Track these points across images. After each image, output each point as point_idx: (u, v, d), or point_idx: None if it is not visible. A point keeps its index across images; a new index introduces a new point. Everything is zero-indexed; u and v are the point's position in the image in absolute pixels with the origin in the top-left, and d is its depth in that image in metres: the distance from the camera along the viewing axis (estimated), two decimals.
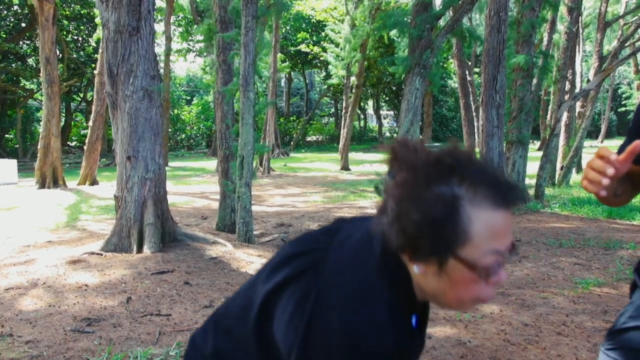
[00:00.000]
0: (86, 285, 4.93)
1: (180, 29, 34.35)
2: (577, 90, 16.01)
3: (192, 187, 15.77)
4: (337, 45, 26.51)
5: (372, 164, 24.33)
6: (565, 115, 14.23)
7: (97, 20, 15.75)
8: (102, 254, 5.95)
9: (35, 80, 29.63)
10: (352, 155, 28.06)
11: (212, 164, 25.24)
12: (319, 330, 0.95)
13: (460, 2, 7.41)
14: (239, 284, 4.98)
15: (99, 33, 17.15)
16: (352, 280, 0.98)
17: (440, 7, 7.41)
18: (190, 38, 35.20)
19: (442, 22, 10.40)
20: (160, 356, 3.37)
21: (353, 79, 28.21)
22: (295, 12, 34.72)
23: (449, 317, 4.04)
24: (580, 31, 15.95)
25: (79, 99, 33.88)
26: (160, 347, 3.54)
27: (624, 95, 41.10)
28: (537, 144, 27.26)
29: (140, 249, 5.96)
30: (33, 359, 3.37)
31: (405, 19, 8.11)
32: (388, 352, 0.91)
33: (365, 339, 0.92)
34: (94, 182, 16.84)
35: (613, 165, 1.16)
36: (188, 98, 42.17)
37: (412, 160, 0.94)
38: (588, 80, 16.53)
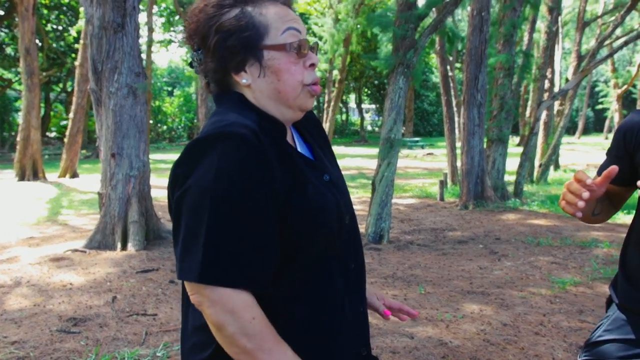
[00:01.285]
0: (71, 284, 4.94)
1: (162, 20, 34.05)
2: (556, 88, 16.28)
3: None
4: (320, 38, 26.54)
5: (354, 158, 24.42)
6: (544, 113, 14.46)
7: (81, 10, 15.52)
8: (85, 252, 5.95)
9: (13, 69, 29.11)
10: (335, 149, 27.98)
11: None
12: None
13: (443, 3, 7.50)
14: None
15: (80, 24, 16.90)
16: (207, 124, 1.10)
17: (424, 6, 7.47)
18: (172, 29, 34.90)
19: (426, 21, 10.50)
20: (147, 357, 3.42)
21: (336, 72, 28.26)
22: None
23: (430, 317, 4.15)
24: (560, 30, 16.19)
25: (59, 89, 33.38)
26: (147, 347, 3.58)
27: (600, 93, 41.86)
28: (517, 139, 27.64)
29: (124, 247, 5.97)
30: None
31: (388, 15, 8.17)
32: (248, 137, 1.00)
33: (221, 127, 1.03)
34: (74, 175, 16.68)
35: (588, 189, 1.24)
36: (169, 89, 41.80)
37: (196, 18, 1.13)
38: (567, 79, 16.80)
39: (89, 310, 4.27)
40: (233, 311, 0.96)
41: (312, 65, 1.14)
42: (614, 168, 1.23)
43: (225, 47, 1.10)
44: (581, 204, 1.25)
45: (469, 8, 10.84)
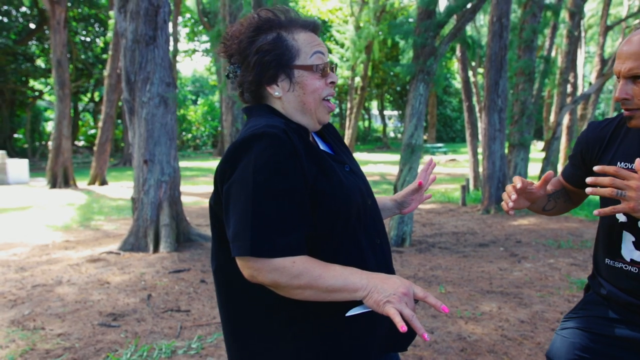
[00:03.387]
0: (108, 283, 5.22)
1: (187, 30, 34.76)
2: (579, 92, 16.24)
3: (200, 188, 16.05)
4: (342, 46, 26.80)
5: (377, 164, 24.57)
6: (567, 117, 14.46)
7: (110, 22, 16.00)
8: (120, 254, 6.24)
9: (44, 80, 29.98)
10: (357, 156, 28.30)
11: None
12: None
13: (462, 11, 7.66)
14: None
15: (109, 35, 17.42)
16: (243, 130, 1.34)
17: (443, 14, 7.65)
18: (196, 39, 35.59)
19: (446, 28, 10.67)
20: (182, 348, 3.66)
21: (358, 80, 28.49)
22: (299, 12, 35.01)
23: (450, 314, 4.32)
24: (582, 34, 16.16)
25: (87, 100, 34.23)
26: (182, 340, 3.83)
27: None
28: (541, 144, 27.48)
29: (156, 249, 6.24)
30: (66, 350, 3.66)
31: (409, 23, 8.37)
32: (279, 135, 1.22)
33: (255, 130, 1.24)
34: (103, 182, 17.16)
35: (516, 192, 1.53)
36: (194, 98, 42.48)
37: (238, 39, 1.36)
38: (590, 83, 16.75)
39: (127, 307, 4.54)
40: (277, 268, 1.18)
41: (332, 83, 1.38)
42: (549, 173, 1.53)
43: (263, 63, 1.33)
44: (510, 204, 1.53)
45: (489, 12, 10.98)
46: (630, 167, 1.48)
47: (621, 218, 1.52)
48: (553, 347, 1.69)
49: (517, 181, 1.54)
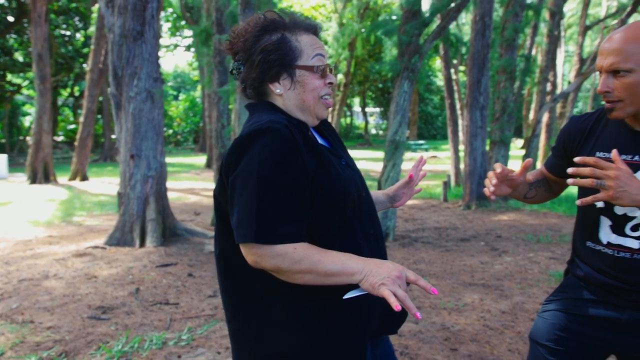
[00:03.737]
0: (95, 277, 5.25)
1: (169, 24, 34.49)
2: (558, 91, 16.54)
3: (182, 184, 16.02)
4: (325, 42, 26.83)
5: (359, 161, 24.69)
6: (546, 115, 14.73)
7: (93, 16, 15.85)
8: (106, 248, 6.25)
9: (22, 75, 29.54)
10: None
11: (200, 160, 25.48)
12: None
13: (446, 10, 7.79)
14: None
15: (91, 30, 17.25)
16: (247, 125, 1.43)
17: (428, 14, 7.77)
18: (178, 34, 35.34)
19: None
20: (173, 339, 3.72)
21: (340, 76, 28.59)
22: (282, 8, 34.97)
23: (434, 305, 4.43)
24: (562, 34, 16.46)
25: (67, 94, 33.81)
26: (173, 332, 3.88)
27: None
28: (520, 142, 27.91)
29: (142, 243, 6.27)
30: (56, 342, 3.69)
31: (393, 21, 8.48)
32: (282, 130, 1.30)
33: (260, 125, 1.32)
34: (84, 178, 17.03)
35: (497, 178, 1.65)
36: (175, 94, 42.21)
37: (244, 38, 1.44)
38: (569, 82, 17.07)
39: (115, 300, 4.57)
40: (279, 254, 1.27)
41: (330, 83, 1.47)
42: (529, 161, 1.63)
43: (267, 62, 1.41)
44: (492, 189, 1.66)
45: (472, 11, 11.14)
46: (608, 156, 1.58)
47: (599, 204, 1.62)
48: (535, 328, 1.80)
49: (498, 167, 1.64)
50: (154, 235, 6.28)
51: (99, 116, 28.24)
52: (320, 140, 1.52)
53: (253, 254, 1.29)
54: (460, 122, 14.60)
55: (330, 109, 1.54)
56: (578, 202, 1.46)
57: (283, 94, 1.44)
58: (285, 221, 1.28)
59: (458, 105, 14.25)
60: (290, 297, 1.37)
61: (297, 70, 1.42)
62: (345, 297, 1.32)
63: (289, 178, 1.29)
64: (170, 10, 32.29)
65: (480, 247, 6.85)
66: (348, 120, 47.26)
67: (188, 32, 33.63)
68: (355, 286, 1.31)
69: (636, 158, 1.56)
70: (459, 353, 3.51)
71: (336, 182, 1.38)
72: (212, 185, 13.44)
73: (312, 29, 1.48)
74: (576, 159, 1.42)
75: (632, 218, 1.56)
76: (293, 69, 1.42)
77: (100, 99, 23.38)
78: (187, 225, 7.18)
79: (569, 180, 1.44)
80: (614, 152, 1.41)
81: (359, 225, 1.44)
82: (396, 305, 1.19)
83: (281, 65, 1.42)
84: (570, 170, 1.43)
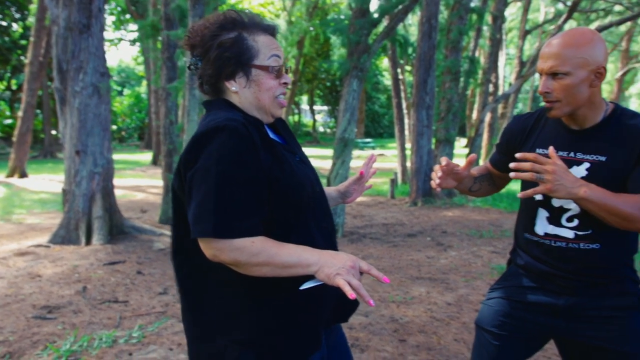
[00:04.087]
0: (39, 276, 5.10)
1: (113, 18, 33.51)
2: (500, 92, 17.15)
3: (128, 181, 15.65)
4: None
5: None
6: (488, 115, 15.24)
7: (32, 7, 15.22)
8: (50, 246, 6.08)
9: None
10: None
11: (145, 157, 24.92)
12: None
13: (395, 11, 7.96)
14: None
15: (30, 20, 16.57)
16: (204, 122, 1.45)
17: (377, 14, 7.92)
18: (122, 27, 34.40)
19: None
20: (124, 337, 3.67)
21: (289, 74, 28.56)
22: (230, 5, 34.61)
23: (383, 299, 4.56)
24: (504, 37, 17.06)
25: (3, 88, 32.31)
26: (123, 330, 3.84)
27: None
28: (465, 141, 28.73)
29: (89, 241, 6.13)
30: (0, 344, 3.58)
31: (342, 20, 8.59)
32: (239, 128, 1.34)
33: (217, 122, 1.36)
34: (23, 175, 16.35)
35: (442, 171, 1.78)
36: (119, 89, 41.05)
37: (202, 34, 1.47)
38: (510, 84, 17.72)
39: (61, 299, 4.46)
40: (238, 247, 1.31)
41: (285, 83, 1.52)
42: (473, 156, 1.76)
43: (223, 58, 1.44)
44: (437, 181, 1.79)
45: (418, 13, 11.40)
46: (547, 153, 1.71)
47: (538, 197, 1.75)
48: (480, 314, 1.92)
49: (443, 161, 1.77)
50: (101, 233, 6.14)
51: (38, 111, 27.14)
52: (274, 137, 1.57)
53: (211, 248, 1.32)
54: (406, 120, 14.91)
55: (284, 108, 1.59)
56: (520, 194, 1.57)
57: (239, 92, 1.48)
58: (242, 216, 1.32)
59: (404, 104, 14.55)
60: (246, 289, 1.41)
61: (253, 70, 1.46)
62: (302, 287, 1.36)
63: (246, 174, 1.33)
64: (114, 4, 31.41)
65: (426, 242, 7.06)
66: (296, 118, 47.30)
67: (133, 26, 32.83)
68: (311, 277, 1.37)
69: (571, 154, 1.69)
70: (407, 344, 3.64)
71: (290, 178, 1.43)
72: (159, 183, 13.20)
73: (270, 30, 1.52)
74: (517, 155, 1.55)
75: (568, 210, 1.69)
76: (249, 67, 1.46)
77: (40, 93, 22.49)
78: (134, 222, 7.06)
79: (512, 174, 1.56)
80: (551, 149, 1.54)
81: (313, 219, 1.50)
82: (351, 294, 1.25)
83: (237, 64, 1.45)
84: (512, 165, 1.55)
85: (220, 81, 1.48)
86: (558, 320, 1.76)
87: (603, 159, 1.65)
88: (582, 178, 1.62)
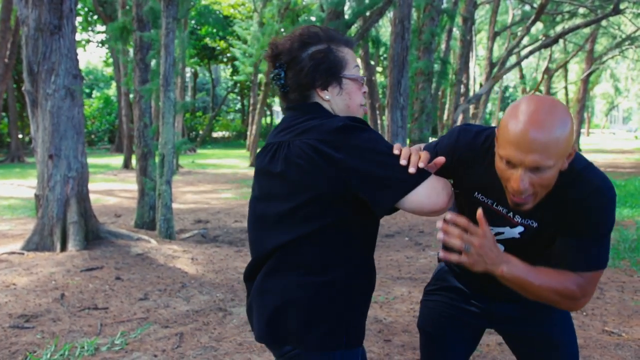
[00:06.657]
0: (14, 284, 4.96)
1: (79, 19, 32.89)
2: (471, 93, 17.41)
3: (100, 185, 15.37)
4: (245, 42, 26.64)
5: None
6: (460, 116, 15.43)
7: None
8: (23, 254, 5.93)
9: None
10: None
11: (116, 160, 24.51)
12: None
13: (369, 13, 8.02)
14: (169, 278, 5.23)
15: None
16: (327, 121, 1.52)
17: (351, 15, 7.97)
18: (90, 29, 33.79)
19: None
20: (106, 345, 3.61)
21: (261, 76, 28.44)
22: (202, 5, 34.29)
23: None
24: (474, 39, 17.33)
25: None
26: (105, 337, 3.77)
27: (511, 98, 44.91)
28: None
29: (64, 248, 6.00)
30: None
31: (314, 23, 8.61)
32: (364, 121, 1.49)
33: (346, 120, 1.47)
34: None
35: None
36: (88, 91, 40.31)
37: (289, 46, 1.56)
38: (481, 84, 17.99)
39: (39, 307, 4.36)
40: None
41: (365, 92, 1.65)
42: (440, 159, 1.55)
43: (318, 70, 1.55)
44: (412, 169, 1.68)
45: (391, 14, 11.51)
46: (485, 200, 1.63)
47: (479, 209, 1.51)
48: (420, 316, 1.97)
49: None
50: (77, 239, 6.02)
51: (4, 114, 26.46)
52: None
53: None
54: (378, 122, 15.01)
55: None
56: (441, 256, 1.46)
57: (331, 100, 1.58)
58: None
59: (376, 106, 14.65)
60: (350, 270, 1.53)
61: (344, 80, 1.58)
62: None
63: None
64: (80, 5, 30.82)
65: (404, 242, 7.12)
66: (269, 119, 47.16)
67: (101, 27, 32.27)
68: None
69: (510, 214, 1.61)
70: (392, 344, 3.66)
71: None
72: (132, 187, 12.98)
73: (350, 43, 1.63)
74: (448, 217, 1.40)
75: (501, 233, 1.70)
76: (340, 77, 1.57)
77: (6, 96, 21.93)
78: (110, 227, 6.94)
79: (439, 235, 1.42)
80: (479, 214, 1.39)
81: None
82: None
83: (331, 75, 1.56)
84: (440, 226, 1.40)
85: (313, 90, 1.57)
86: (491, 324, 1.88)
87: (535, 225, 1.59)
88: (514, 239, 1.64)
